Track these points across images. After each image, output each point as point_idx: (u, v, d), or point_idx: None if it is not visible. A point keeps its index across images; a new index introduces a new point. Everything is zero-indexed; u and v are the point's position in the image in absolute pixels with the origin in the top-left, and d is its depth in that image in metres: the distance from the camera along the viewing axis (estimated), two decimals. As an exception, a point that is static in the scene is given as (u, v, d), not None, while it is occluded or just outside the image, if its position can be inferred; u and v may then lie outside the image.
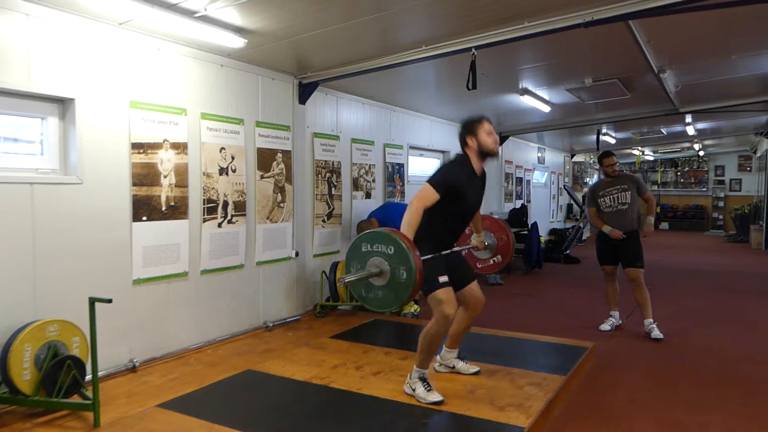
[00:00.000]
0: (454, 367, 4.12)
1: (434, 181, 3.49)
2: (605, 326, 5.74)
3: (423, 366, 3.62)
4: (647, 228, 5.61)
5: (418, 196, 3.43)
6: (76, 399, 3.46)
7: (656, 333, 5.40)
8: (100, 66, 3.98)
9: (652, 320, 5.48)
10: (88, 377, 3.48)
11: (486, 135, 3.60)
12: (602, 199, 5.69)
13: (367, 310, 6.20)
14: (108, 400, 3.57)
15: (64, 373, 3.39)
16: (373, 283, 3.17)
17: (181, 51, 4.56)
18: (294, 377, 4.06)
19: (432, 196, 3.42)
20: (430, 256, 3.39)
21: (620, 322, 5.79)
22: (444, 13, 4.18)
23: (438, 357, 4.13)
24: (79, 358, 3.53)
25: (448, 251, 3.65)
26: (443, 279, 3.50)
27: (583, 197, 14.48)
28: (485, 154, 3.64)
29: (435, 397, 3.52)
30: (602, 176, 5.87)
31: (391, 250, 3.07)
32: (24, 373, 3.32)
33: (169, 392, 3.77)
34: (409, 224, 3.34)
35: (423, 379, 3.61)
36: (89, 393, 3.39)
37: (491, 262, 4.48)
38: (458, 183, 3.53)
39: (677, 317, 6.22)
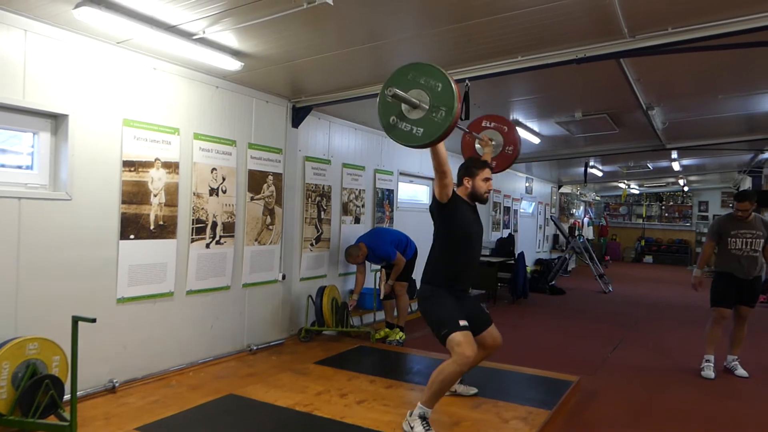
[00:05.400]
0: (455, 391, 4.18)
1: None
2: (710, 372, 5.37)
3: (428, 404, 3.49)
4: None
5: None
6: (52, 420, 3.38)
7: (740, 371, 5.45)
8: (95, 83, 3.98)
9: (737, 357, 5.54)
10: (67, 397, 3.40)
11: (482, 181, 3.77)
12: (733, 239, 5.41)
13: (352, 336, 6.16)
14: (85, 421, 3.49)
15: (41, 393, 3.32)
16: (406, 115, 3.10)
17: (176, 71, 4.58)
18: (277, 403, 4.00)
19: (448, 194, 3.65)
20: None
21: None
22: (439, 45, 4.24)
23: None
24: (58, 378, 3.45)
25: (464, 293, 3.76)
26: (463, 323, 3.46)
27: (571, 228, 14.58)
28: (475, 197, 3.81)
29: None
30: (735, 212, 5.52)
31: (438, 88, 3.01)
32: (0, 392, 3.25)
33: (148, 415, 3.69)
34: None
35: (423, 418, 3.47)
36: (66, 414, 3.32)
37: (507, 151, 4.39)
38: (460, 210, 3.70)
39: (660, 352, 6.23)
